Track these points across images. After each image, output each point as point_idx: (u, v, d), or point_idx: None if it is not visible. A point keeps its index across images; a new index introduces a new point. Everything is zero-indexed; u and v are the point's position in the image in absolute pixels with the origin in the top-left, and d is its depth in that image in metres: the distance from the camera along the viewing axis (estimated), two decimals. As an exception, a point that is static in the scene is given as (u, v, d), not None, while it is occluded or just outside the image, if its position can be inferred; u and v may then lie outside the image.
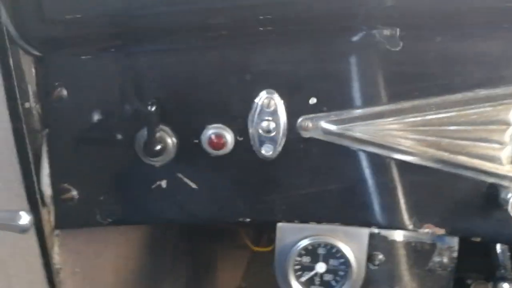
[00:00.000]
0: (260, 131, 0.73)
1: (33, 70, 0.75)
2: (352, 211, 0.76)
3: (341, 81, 0.72)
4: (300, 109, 0.73)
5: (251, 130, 0.74)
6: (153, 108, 0.71)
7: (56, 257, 0.81)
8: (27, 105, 0.74)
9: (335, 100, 0.73)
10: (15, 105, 0.71)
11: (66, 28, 0.71)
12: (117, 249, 0.94)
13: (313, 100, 0.73)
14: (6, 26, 0.69)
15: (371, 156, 0.74)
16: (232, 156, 0.75)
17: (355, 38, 0.72)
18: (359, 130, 0.73)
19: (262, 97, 0.73)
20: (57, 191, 0.79)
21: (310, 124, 0.73)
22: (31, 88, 0.75)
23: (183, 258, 1.18)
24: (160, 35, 0.74)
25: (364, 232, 0.77)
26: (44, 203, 0.78)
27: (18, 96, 0.72)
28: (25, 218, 0.60)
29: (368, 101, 0.72)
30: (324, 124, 0.73)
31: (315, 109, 0.73)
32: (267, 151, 0.74)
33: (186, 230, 1.11)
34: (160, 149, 0.74)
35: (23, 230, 0.61)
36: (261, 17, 0.71)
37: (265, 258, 1.39)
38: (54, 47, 0.74)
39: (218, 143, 0.74)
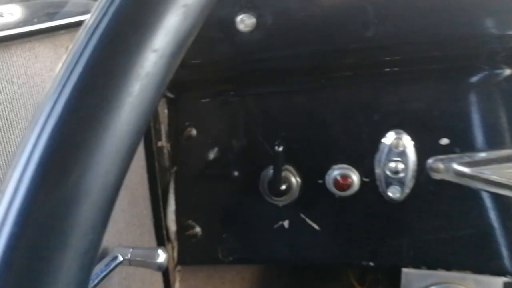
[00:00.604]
0: (388, 172, 0.72)
1: (166, 111, 0.78)
2: (484, 258, 0.71)
3: (474, 121, 0.69)
4: (430, 150, 0.70)
5: (378, 171, 0.72)
6: (280, 148, 0.72)
7: None
8: (159, 144, 0.77)
9: (468, 141, 0.70)
10: (150, 144, 0.75)
11: (199, 72, 0.74)
12: (232, 287, 0.94)
13: (444, 141, 0.70)
14: None
15: (506, 200, 0.69)
16: (357, 197, 0.74)
17: (486, 77, 0.69)
18: (494, 173, 0.69)
19: (390, 138, 0.71)
20: (182, 227, 0.81)
21: (442, 166, 0.70)
22: (164, 128, 0.78)
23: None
24: (285, 76, 0.75)
25: (497, 282, 0.71)
26: (169, 239, 0.80)
27: (153, 135, 0.75)
28: (162, 256, 0.62)
29: (503, 142, 0.69)
30: (457, 166, 0.70)
31: (446, 150, 0.70)
32: (394, 193, 0.72)
33: (295, 267, 1.10)
34: (285, 189, 0.74)
35: (159, 267, 0.62)
36: (388, 58, 0.71)
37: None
38: (187, 89, 0.77)
39: (344, 183, 0.73)
